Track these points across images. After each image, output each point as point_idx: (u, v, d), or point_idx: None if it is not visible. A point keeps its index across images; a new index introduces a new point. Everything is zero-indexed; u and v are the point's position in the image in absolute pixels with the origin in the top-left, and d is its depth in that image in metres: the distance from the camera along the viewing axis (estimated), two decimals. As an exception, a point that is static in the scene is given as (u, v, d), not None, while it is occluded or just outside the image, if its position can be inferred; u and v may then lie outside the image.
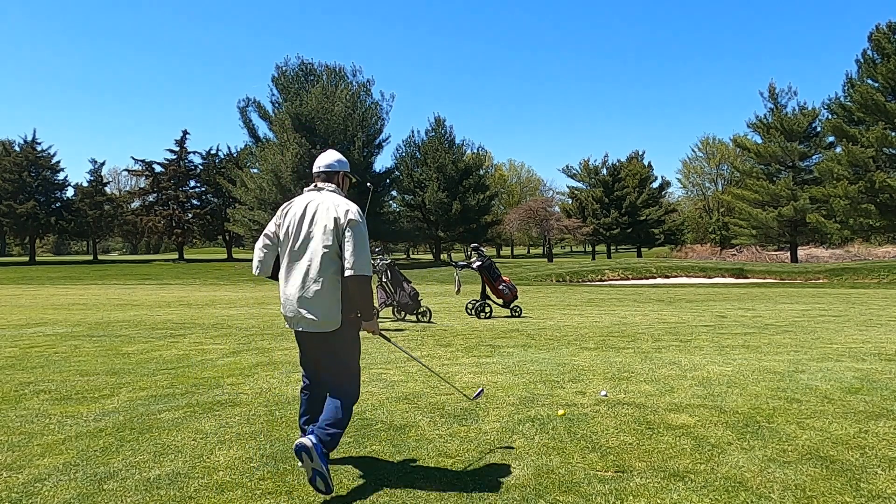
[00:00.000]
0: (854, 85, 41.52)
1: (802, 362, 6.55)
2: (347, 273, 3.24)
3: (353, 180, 3.74)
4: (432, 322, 10.93)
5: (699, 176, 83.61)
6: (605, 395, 5.05)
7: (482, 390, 4.52)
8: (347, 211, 3.34)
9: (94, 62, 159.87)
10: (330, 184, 3.55)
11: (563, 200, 71.03)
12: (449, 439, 3.96)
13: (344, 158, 3.69)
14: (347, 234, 3.28)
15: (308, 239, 3.36)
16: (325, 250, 3.30)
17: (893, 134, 39.05)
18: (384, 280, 10.84)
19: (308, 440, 3.09)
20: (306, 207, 3.42)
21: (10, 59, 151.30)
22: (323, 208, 3.38)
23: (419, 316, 10.98)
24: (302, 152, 41.45)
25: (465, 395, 4.75)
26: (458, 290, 13.17)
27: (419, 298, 10.94)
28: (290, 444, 3.87)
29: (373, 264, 11.22)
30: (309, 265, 3.33)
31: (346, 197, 3.54)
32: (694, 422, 4.29)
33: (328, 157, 3.64)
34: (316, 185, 3.55)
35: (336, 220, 3.31)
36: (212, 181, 57.60)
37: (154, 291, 22.78)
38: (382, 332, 3.73)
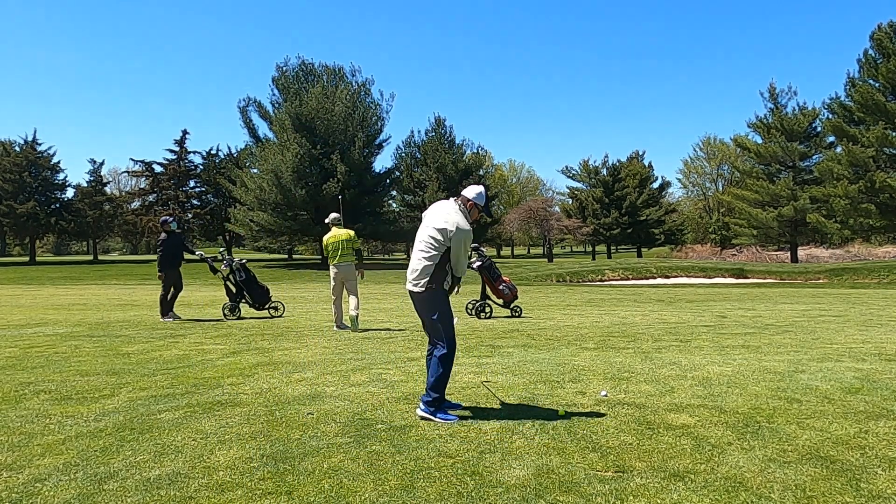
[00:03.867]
0: (855, 85, 41.53)
1: (802, 362, 6.55)
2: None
3: (479, 213, 4.68)
4: (283, 316, 11.90)
5: (700, 176, 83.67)
6: (605, 395, 5.05)
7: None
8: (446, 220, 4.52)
9: (93, 62, 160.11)
10: (458, 201, 4.64)
11: (563, 200, 71.08)
12: (449, 439, 3.95)
13: (480, 191, 4.68)
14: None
15: None
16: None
17: (894, 134, 39.06)
18: (237, 279, 11.53)
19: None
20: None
21: (9, 58, 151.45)
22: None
23: (271, 310, 11.90)
24: (302, 152, 41.46)
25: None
26: (458, 290, 13.16)
27: (270, 295, 11.91)
28: (290, 444, 3.87)
29: (229, 264, 11.46)
30: None
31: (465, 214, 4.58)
32: (694, 422, 4.29)
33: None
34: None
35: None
36: (212, 181, 57.60)
37: (154, 291, 22.71)
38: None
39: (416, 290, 4.53)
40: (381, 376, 5.95)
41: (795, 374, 5.86)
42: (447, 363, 4.52)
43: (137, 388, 5.51)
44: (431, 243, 4.47)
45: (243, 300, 11.64)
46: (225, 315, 11.54)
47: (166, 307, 11.36)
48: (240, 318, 11.47)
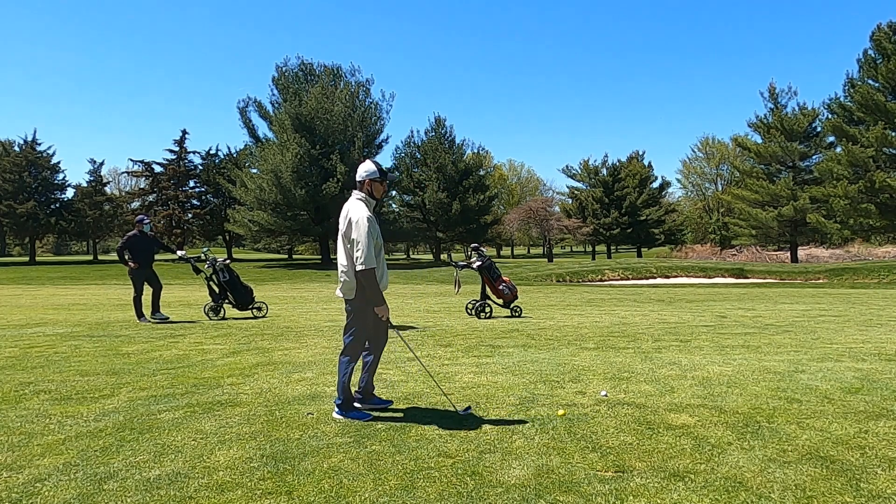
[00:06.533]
0: (854, 85, 41.54)
1: (802, 362, 6.55)
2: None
3: (382, 185, 4.48)
4: (267, 316, 11.82)
5: (699, 176, 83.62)
6: (605, 395, 5.05)
7: (469, 408, 4.57)
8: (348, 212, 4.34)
9: (93, 62, 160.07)
10: (357, 192, 4.46)
11: (563, 200, 71.06)
12: (449, 439, 3.95)
13: (368, 168, 4.47)
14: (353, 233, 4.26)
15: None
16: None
17: (893, 134, 39.05)
18: (221, 279, 11.51)
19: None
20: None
21: (9, 58, 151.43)
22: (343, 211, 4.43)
23: (254, 311, 11.90)
24: (302, 152, 41.46)
25: (454, 405, 4.69)
26: (458, 289, 13.17)
27: (253, 295, 12.01)
28: (290, 444, 3.87)
29: (213, 264, 11.35)
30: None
31: (375, 198, 4.47)
32: (694, 422, 4.29)
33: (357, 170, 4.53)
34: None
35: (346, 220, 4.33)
36: (211, 181, 57.56)
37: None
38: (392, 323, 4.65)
39: (347, 298, 4.44)
40: (380, 376, 5.94)
41: (795, 374, 5.86)
42: (348, 367, 4.50)
43: (137, 388, 5.51)
44: (346, 252, 4.36)
45: (226, 300, 11.63)
46: (208, 315, 11.49)
47: (141, 308, 11.14)
48: (223, 318, 11.43)
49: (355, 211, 4.31)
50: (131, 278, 11.19)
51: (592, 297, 19.15)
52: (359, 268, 4.21)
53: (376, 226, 4.36)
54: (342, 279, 4.43)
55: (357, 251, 4.22)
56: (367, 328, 4.48)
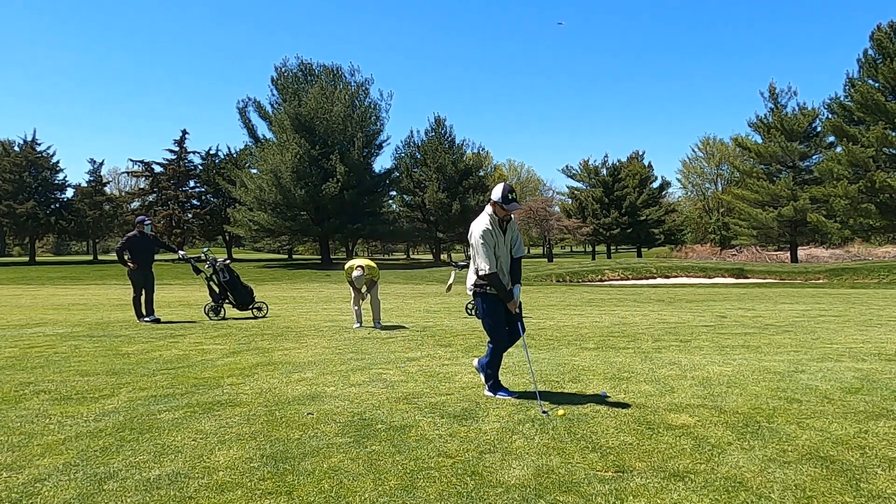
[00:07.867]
0: (854, 85, 41.55)
1: (802, 362, 6.55)
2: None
3: (503, 209, 4.89)
4: (267, 316, 11.82)
5: (699, 176, 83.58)
6: (606, 396, 5.05)
7: (547, 413, 4.60)
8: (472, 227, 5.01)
9: (93, 62, 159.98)
10: (488, 206, 5.04)
11: (563, 200, 71.03)
12: (449, 439, 3.95)
13: (496, 191, 4.91)
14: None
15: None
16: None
17: (893, 134, 39.06)
18: (221, 280, 11.52)
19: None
20: None
21: (9, 58, 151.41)
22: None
23: (255, 311, 11.91)
24: (301, 152, 41.49)
25: (543, 408, 4.60)
26: (449, 289, 13.15)
27: (254, 295, 12.03)
28: (291, 444, 3.87)
29: (213, 264, 11.32)
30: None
31: (497, 216, 4.96)
32: (694, 422, 4.29)
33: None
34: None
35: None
36: (211, 181, 57.55)
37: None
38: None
39: (468, 292, 5.14)
40: (380, 376, 5.95)
41: (795, 374, 5.86)
42: (493, 355, 5.11)
43: (137, 388, 5.51)
44: (469, 254, 5.07)
45: (226, 300, 11.60)
46: (208, 315, 11.44)
47: (141, 308, 11.04)
48: (223, 318, 11.39)
49: (476, 223, 4.94)
50: (130, 279, 11.17)
51: (592, 297, 19.15)
52: (481, 273, 4.82)
53: (494, 237, 4.87)
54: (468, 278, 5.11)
55: (479, 258, 4.83)
56: (501, 318, 5.01)
